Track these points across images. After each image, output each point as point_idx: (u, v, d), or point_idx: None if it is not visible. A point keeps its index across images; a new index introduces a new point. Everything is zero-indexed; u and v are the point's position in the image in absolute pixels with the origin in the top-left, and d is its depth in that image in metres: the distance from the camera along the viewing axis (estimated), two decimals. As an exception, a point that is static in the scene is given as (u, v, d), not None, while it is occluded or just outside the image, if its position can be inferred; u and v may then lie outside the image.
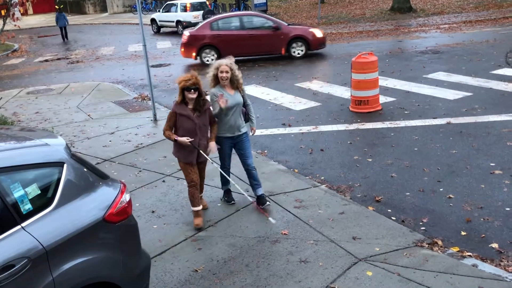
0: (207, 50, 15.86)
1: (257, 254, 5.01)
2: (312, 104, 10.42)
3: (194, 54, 15.93)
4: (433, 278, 4.41)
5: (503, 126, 8.12)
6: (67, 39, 26.98)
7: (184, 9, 25.82)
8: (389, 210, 5.78)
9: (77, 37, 28.03)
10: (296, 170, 7.13)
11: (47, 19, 41.79)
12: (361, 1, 32.44)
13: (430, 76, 11.89)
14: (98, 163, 7.66)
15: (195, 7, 25.88)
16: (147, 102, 11.35)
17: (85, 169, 3.65)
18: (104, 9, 46.42)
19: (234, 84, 5.66)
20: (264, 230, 5.46)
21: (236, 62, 5.85)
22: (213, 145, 5.58)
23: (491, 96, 9.83)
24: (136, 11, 8.59)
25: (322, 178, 6.82)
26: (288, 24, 16.53)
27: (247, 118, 5.96)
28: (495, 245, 4.95)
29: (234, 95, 5.66)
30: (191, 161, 5.52)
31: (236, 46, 15.55)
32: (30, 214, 3.23)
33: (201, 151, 5.48)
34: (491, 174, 6.47)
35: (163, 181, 6.92)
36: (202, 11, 25.62)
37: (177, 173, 7.12)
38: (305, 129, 8.89)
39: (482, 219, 5.45)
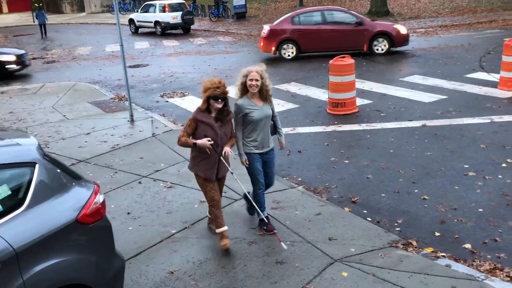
0: (287, 45, 15.62)
1: (233, 255, 5.00)
2: (290, 106, 10.45)
3: (273, 48, 15.66)
4: (408, 278, 4.46)
5: (476, 128, 8.27)
6: (46, 36, 27.43)
7: (163, 9, 25.67)
8: (365, 211, 5.83)
9: (54, 36, 27.68)
10: (274, 172, 7.12)
11: (23, 18, 41.11)
12: (339, 5, 32.71)
13: (406, 79, 12.05)
14: (73, 164, 7.55)
15: (173, 8, 25.74)
16: (124, 103, 11.23)
17: (58, 170, 3.59)
18: (81, 8, 45.87)
19: (263, 94, 5.06)
20: (241, 231, 5.44)
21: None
22: (228, 149, 4.94)
23: (466, 99, 10.01)
24: (114, 11, 8.49)
25: (299, 179, 6.84)
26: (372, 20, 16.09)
27: (275, 131, 5.40)
28: (468, 246, 5.03)
29: (262, 107, 5.07)
30: (210, 177, 4.96)
31: (317, 41, 15.30)
32: (0, 215, 3.16)
33: (222, 157, 4.91)
34: (464, 175, 6.58)
35: (139, 182, 6.86)
36: (181, 12, 25.50)
37: (154, 174, 7.06)
38: (283, 130, 8.88)
39: (455, 220, 5.53)
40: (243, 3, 28.93)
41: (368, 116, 9.41)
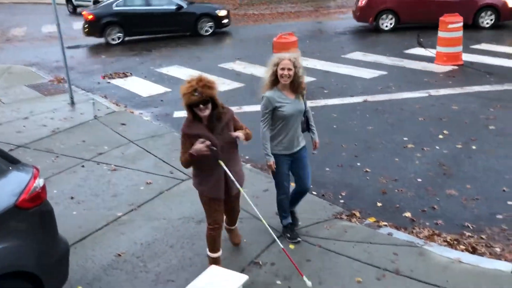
0: (386, 15, 14.93)
1: (181, 235, 4.99)
2: (236, 85, 10.43)
3: (371, 18, 14.96)
4: (352, 248, 4.62)
5: (415, 102, 8.57)
6: None
7: (102, -12, 24.74)
8: (311, 186, 5.94)
9: (-16, 17, 26.16)
10: (220, 151, 7.13)
11: (-51, -2, 38.53)
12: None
13: (348, 56, 12.28)
14: (11, 150, 7.24)
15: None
16: (63, 85, 10.83)
17: (-8, 154, 3.44)
18: (13, -13, 43.44)
19: (295, 86, 4.37)
20: (189, 211, 5.43)
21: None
22: (240, 134, 4.02)
23: (405, 74, 10.34)
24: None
25: (247, 157, 6.88)
26: None
27: (307, 128, 4.74)
28: (408, 214, 5.26)
29: (294, 101, 4.38)
30: (218, 196, 4.09)
31: (419, 11, 14.56)
32: None
33: (229, 172, 4.00)
34: (404, 148, 6.83)
35: (82, 166, 6.68)
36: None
37: (97, 158, 6.90)
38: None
39: (396, 191, 5.75)
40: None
41: (312, 93, 9.53)
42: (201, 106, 3.75)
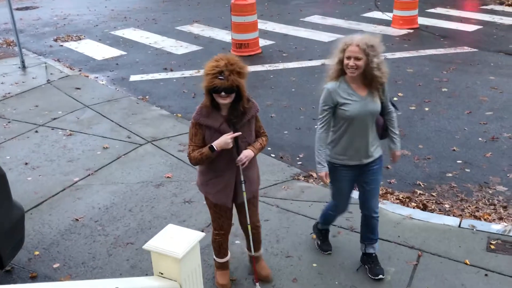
0: None
1: (140, 199, 4.99)
2: (194, 48, 10.28)
3: None
4: (308, 207, 4.74)
5: (371, 66, 8.69)
6: None
7: None
8: (269, 148, 6.01)
9: None
10: (180, 115, 7.08)
11: None
12: None
13: (307, 19, 12.25)
14: (-41, 115, 6.97)
15: None
16: (13, 48, 10.39)
17: None
18: None
19: (368, 79, 3.36)
20: (147, 175, 5.42)
21: None
22: (248, 153, 3.32)
23: (362, 38, 10.41)
24: None
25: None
26: None
27: (385, 134, 3.68)
28: (363, 174, 5.41)
29: (365, 99, 3.39)
30: (223, 203, 3.48)
31: None
32: None
33: (240, 166, 3.35)
34: (360, 110, 6.96)
35: (36, 131, 6.50)
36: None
37: (51, 123, 6.73)
38: (187, 73, 8.79)
39: (352, 152, 5.89)
40: None
41: (271, 56, 9.52)
42: (223, 93, 3.12)
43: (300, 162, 5.71)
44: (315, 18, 12.28)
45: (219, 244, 3.71)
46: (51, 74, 8.70)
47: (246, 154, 3.30)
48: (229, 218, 3.61)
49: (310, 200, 4.85)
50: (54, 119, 6.86)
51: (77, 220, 4.66)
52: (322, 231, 4.13)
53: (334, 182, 3.65)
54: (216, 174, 3.39)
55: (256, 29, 9.70)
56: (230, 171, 3.37)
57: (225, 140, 3.18)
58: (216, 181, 3.40)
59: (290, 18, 12.53)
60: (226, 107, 3.25)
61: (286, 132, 6.45)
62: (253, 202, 3.60)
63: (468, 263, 3.91)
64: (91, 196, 5.05)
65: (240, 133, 3.23)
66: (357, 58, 3.27)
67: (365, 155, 3.52)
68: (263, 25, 11.43)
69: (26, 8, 15.24)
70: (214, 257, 3.81)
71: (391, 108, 3.63)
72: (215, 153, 3.21)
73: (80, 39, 11.33)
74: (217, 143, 3.18)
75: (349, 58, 3.29)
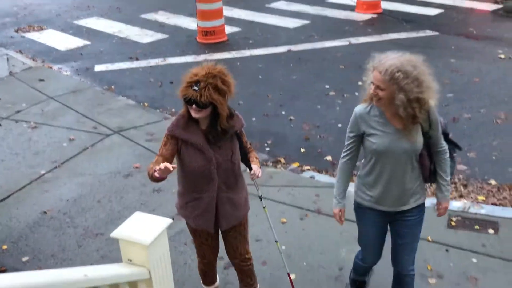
0: None
1: (109, 189, 4.99)
2: (159, 36, 10.19)
3: None
4: (277, 192, 4.83)
5: (336, 51, 8.82)
6: None
7: None
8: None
9: None
10: (146, 104, 7.06)
11: None
12: None
13: (272, 5, 12.27)
14: None
15: None
16: (-28, 40, 10.10)
17: None
18: None
19: (400, 113, 2.63)
20: (115, 165, 5.41)
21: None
22: (256, 168, 3.08)
23: (327, 24, 10.53)
24: None
25: (173, 110, 6.86)
26: None
27: (432, 178, 2.94)
28: (329, 158, 5.54)
29: (398, 132, 2.71)
30: (204, 228, 3.08)
31: None
32: None
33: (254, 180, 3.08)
34: (326, 95, 7.08)
35: (0, 125, 6.39)
36: None
37: (15, 115, 6.62)
38: (153, 62, 8.73)
39: (318, 136, 6.01)
40: None
41: (237, 43, 9.53)
42: (194, 106, 2.73)
43: (268, 148, 5.79)
44: (281, 4, 12.31)
45: (203, 272, 3.44)
46: (13, 66, 8.51)
47: (257, 166, 3.07)
48: (212, 246, 3.23)
49: (278, 185, 4.94)
50: (18, 111, 6.74)
51: (45, 212, 4.64)
52: (356, 282, 3.46)
53: (359, 225, 3.08)
54: (194, 196, 3.00)
55: (221, 16, 9.68)
56: (210, 193, 2.96)
57: (166, 169, 2.59)
58: (195, 204, 3.01)
59: (256, 4, 12.51)
60: (205, 120, 2.85)
61: (254, 119, 6.51)
62: (239, 231, 3.16)
63: (430, 239, 4.07)
64: (58, 188, 5.02)
65: (171, 167, 2.59)
66: (379, 88, 2.61)
67: (398, 202, 2.85)
68: (228, 12, 11.39)
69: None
70: (202, 284, 3.53)
71: (444, 146, 2.84)
72: (157, 180, 2.74)
73: (42, 30, 11.08)
74: (159, 168, 2.60)
75: (372, 84, 2.67)
